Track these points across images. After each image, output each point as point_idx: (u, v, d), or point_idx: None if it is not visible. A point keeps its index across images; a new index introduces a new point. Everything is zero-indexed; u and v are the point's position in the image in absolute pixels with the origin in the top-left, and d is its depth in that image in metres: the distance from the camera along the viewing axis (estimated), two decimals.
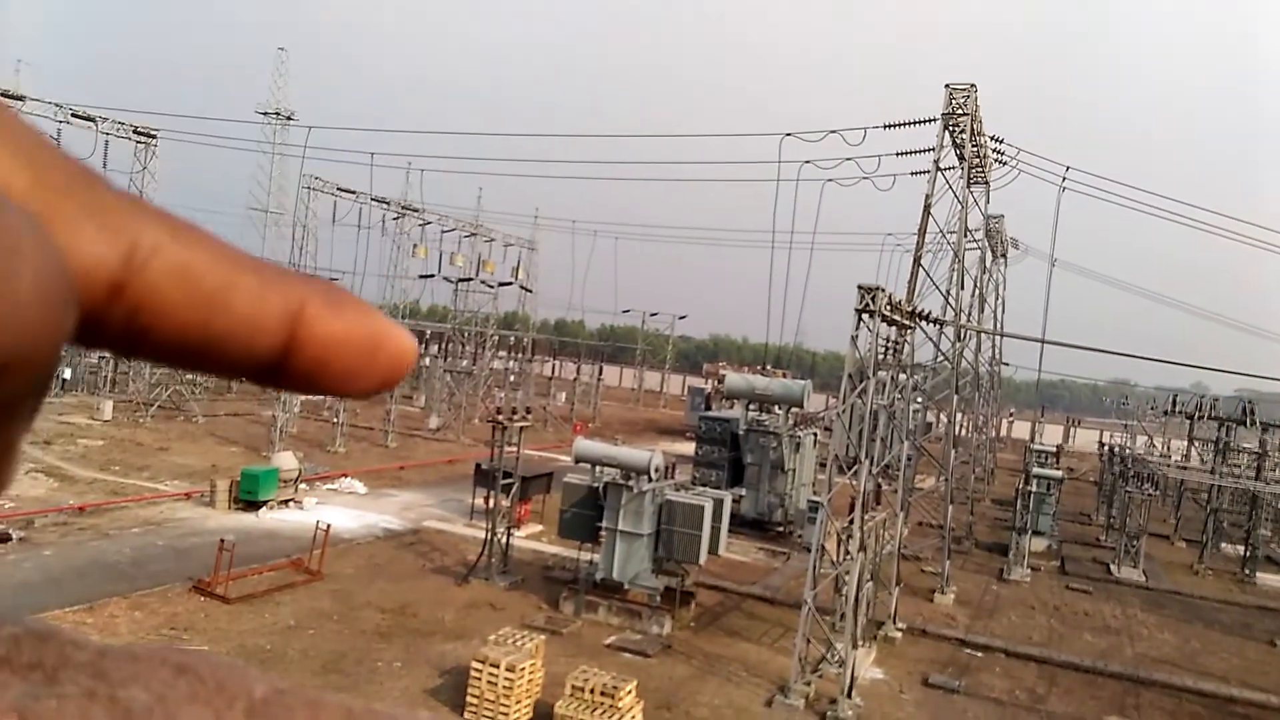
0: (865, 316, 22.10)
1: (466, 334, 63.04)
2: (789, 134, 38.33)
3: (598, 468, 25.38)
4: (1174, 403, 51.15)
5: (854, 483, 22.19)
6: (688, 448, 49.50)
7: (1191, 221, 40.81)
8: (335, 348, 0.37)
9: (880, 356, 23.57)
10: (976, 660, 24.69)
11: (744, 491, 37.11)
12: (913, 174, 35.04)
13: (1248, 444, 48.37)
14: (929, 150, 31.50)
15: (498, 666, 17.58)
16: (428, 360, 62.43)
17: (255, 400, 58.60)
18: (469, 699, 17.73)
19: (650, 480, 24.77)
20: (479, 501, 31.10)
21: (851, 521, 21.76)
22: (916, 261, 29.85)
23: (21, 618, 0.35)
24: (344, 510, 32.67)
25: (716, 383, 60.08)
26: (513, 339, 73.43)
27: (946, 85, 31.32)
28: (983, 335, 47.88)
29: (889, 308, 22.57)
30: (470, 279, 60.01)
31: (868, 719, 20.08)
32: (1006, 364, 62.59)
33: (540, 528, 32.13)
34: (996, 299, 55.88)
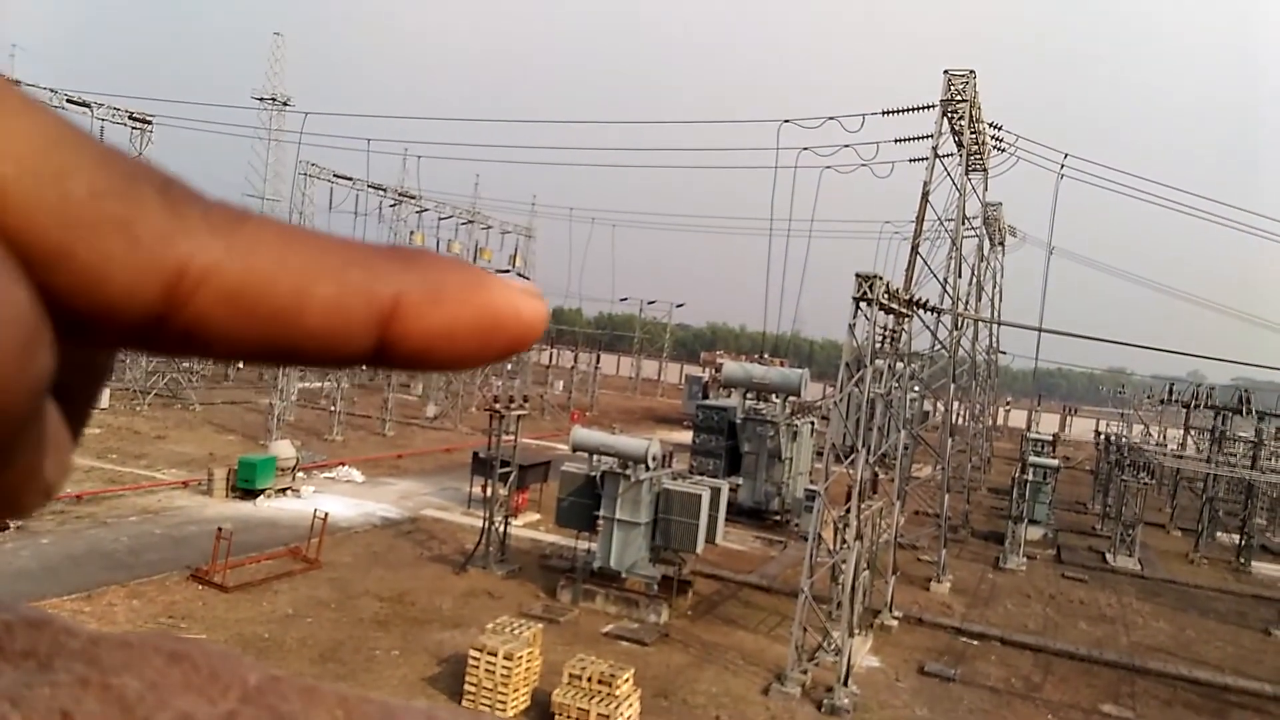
0: (863, 304, 22.07)
1: None
2: (787, 120, 38.28)
3: (595, 456, 25.40)
4: (1170, 391, 51.33)
5: (851, 471, 22.22)
6: (685, 436, 49.60)
7: (1189, 210, 40.85)
8: (437, 339, 0.33)
9: (878, 345, 23.56)
10: (972, 648, 24.78)
11: (741, 480, 37.20)
12: (911, 161, 34.95)
13: (1244, 433, 48.45)
14: (927, 137, 31.44)
15: (495, 655, 17.61)
16: None
17: (253, 388, 58.55)
18: (466, 687, 17.77)
19: (648, 469, 24.76)
20: (476, 490, 31.13)
21: (848, 510, 21.80)
22: (914, 249, 29.79)
23: (15, 605, 0.35)
24: (341, 499, 32.67)
25: (714, 371, 60.04)
26: None
27: (945, 71, 31.24)
28: (980, 324, 47.89)
29: (886, 296, 22.52)
30: None
31: (864, 707, 20.13)
32: (1004, 352, 62.83)
33: (538, 516, 32.14)
34: (994, 287, 55.95)
